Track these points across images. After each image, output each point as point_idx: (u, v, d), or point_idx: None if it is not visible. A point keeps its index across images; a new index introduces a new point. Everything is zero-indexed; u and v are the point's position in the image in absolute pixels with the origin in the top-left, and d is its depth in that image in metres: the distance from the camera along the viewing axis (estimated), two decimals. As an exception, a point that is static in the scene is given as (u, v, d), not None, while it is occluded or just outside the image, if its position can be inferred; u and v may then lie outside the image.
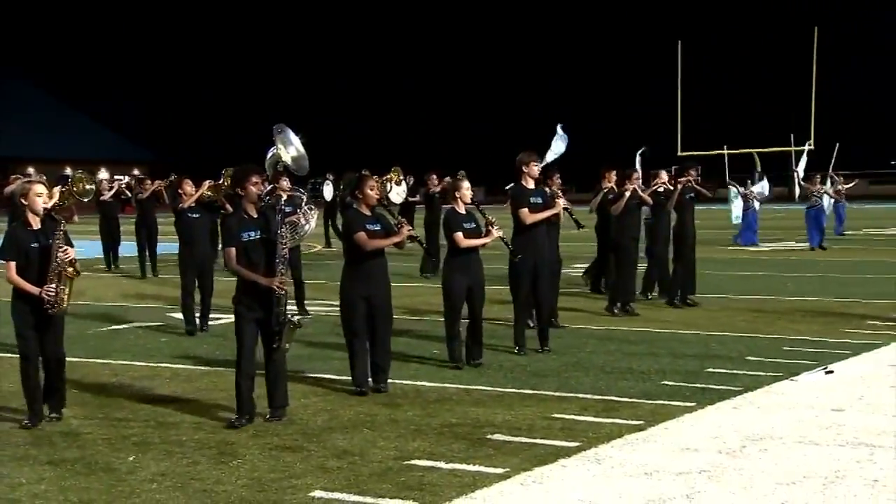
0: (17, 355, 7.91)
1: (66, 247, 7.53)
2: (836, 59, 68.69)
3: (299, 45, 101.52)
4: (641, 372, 9.63)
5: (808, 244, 25.17)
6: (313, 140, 11.10)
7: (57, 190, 10.15)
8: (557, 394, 8.71)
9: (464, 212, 9.90)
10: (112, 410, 8.22)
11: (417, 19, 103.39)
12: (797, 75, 60.94)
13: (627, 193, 13.38)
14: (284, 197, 12.05)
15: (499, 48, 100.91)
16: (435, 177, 20.76)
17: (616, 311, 13.53)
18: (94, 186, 12.75)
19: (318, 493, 5.97)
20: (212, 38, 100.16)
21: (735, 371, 9.44)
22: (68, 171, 26.49)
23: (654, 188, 14.31)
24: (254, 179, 7.82)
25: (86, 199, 12.08)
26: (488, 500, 5.78)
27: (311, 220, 11.54)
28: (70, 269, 7.52)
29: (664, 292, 14.98)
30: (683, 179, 14.69)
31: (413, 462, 6.61)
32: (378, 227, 8.74)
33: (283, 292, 7.68)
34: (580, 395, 8.57)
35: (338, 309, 10.13)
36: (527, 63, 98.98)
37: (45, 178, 12.63)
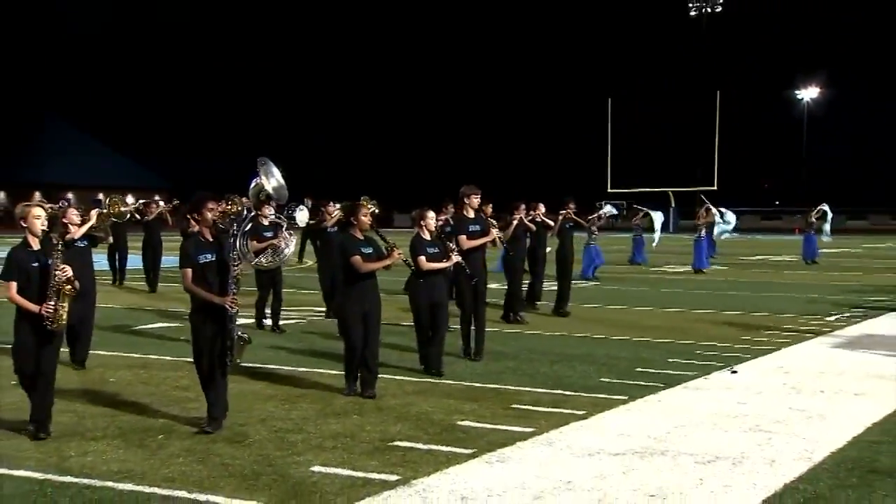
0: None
1: (64, 266, 6.66)
2: (734, 116, 69.78)
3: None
4: (583, 370, 9.53)
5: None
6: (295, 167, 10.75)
7: (95, 212, 9.80)
8: (514, 388, 8.56)
9: (428, 237, 9.42)
10: (141, 397, 8.10)
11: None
12: (704, 128, 61.65)
13: (514, 222, 13.17)
14: (266, 222, 11.57)
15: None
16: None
17: (511, 319, 13.27)
18: (128, 209, 12.53)
19: (316, 468, 5.90)
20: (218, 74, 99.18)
21: (659, 371, 9.41)
22: (101, 196, 25.57)
23: (533, 218, 13.99)
24: (209, 206, 7.08)
25: (120, 220, 11.91)
26: (460, 475, 5.72)
27: (290, 244, 11.20)
28: (68, 287, 6.65)
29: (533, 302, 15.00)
30: (563, 212, 14.78)
31: (396, 443, 6.52)
32: (371, 251, 8.33)
33: (234, 310, 6.97)
34: (533, 390, 8.45)
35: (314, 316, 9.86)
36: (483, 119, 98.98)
37: (46, 201, 11.85)
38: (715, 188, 51.98)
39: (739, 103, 76.80)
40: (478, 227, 10.42)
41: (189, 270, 6.87)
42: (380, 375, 8.36)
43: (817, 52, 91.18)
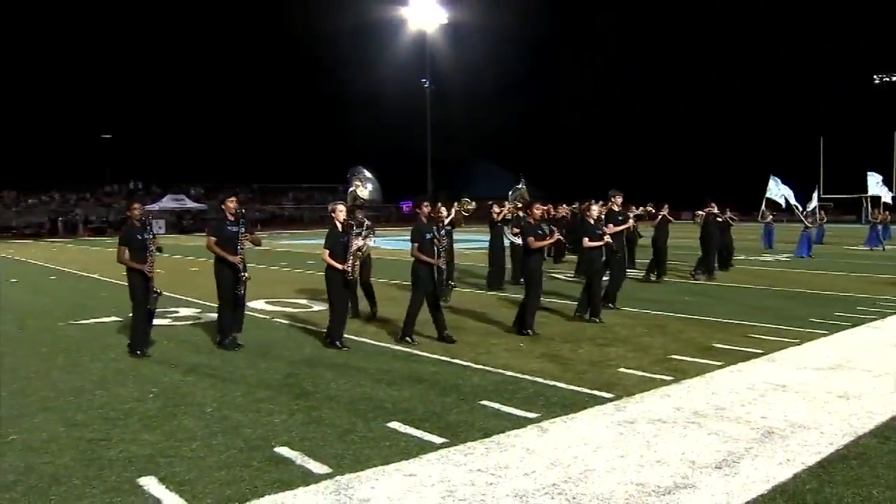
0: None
1: (358, 240, 10.91)
2: None
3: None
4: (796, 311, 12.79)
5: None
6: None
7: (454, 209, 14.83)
8: (748, 323, 11.98)
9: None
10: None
11: None
12: None
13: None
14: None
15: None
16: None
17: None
18: (474, 205, 16.67)
19: (621, 370, 9.28)
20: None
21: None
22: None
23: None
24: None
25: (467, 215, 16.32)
26: (714, 379, 9.08)
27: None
28: (358, 252, 10.90)
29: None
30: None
31: (671, 356, 9.99)
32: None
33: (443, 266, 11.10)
34: (759, 324, 11.91)
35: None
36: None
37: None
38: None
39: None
40: (619, 219, 14.84)
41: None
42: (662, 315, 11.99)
43: None
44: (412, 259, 11.14)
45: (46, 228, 67.10)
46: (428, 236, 11.02)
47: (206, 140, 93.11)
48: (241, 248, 10.80)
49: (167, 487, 5.69)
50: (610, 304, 14.26)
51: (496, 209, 18.54)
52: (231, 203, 10.95)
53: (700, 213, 20.42)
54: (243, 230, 10.83)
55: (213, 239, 10.83)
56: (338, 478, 5.82)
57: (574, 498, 5.41)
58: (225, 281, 10.83)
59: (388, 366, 9.75)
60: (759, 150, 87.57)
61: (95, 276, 22.87)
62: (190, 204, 76.90)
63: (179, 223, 69.81)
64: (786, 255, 27.59)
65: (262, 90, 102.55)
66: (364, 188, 14.98)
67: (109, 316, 13.96)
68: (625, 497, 5.41)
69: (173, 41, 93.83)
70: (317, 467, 6.05)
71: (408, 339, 11.20)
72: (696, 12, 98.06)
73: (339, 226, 10.96)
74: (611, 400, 7.95)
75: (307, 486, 5.68)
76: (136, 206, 10.81)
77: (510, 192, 20.05)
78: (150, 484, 5.77)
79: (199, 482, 5.78)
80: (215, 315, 13.17)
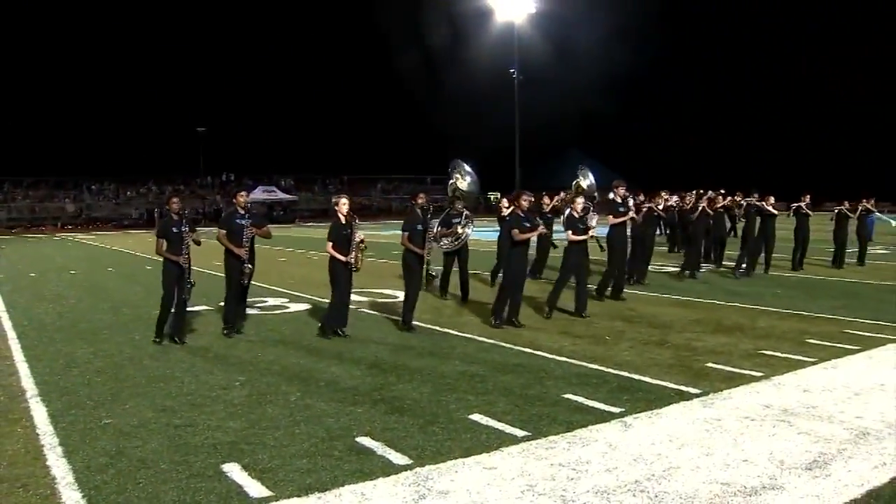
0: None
1: (359, 233, 10.87)
2: None
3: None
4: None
5: None
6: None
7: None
8: (846, 318, 11.60)
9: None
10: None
11: None
12: None
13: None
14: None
15: None
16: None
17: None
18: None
19: (709, 364, 9.07)
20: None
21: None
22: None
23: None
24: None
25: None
26: (804, 375, 8.74)
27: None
28: (362, 245, 10.86)
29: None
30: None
31: (762, 351, 9.68)
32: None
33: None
34: (860, 320, 11.50)
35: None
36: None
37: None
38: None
39: None
40: (620, 210, 14.48)
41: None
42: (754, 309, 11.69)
43: None
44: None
45: (143, 220, 69.33)
46: (419, 227, 11.55)
47: (297, 133, 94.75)
48: (247, 240, 11.16)
49: (249, 474, 5.79)
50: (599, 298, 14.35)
51: (504, 203, 18.00)
52: (241, 197, 11.46)
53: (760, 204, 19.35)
54: (249, 223, 11.19)
55: (224, 232, 11.26)
56: (417, 469, 5.83)
57: (656, 496, 5.29)
58: (232, 271, 11.26)
59: (472, 357, 9.74)
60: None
61: (188, 265, 23.42)
62: (280, 195, 78.40)
63: (270, 214, 71.25)
64: (883, 246, 26.56)
65: (351, 84, 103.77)
66: (463, 180, 15.49)
67: (199, 305, 14.29)
68: (709, 497, 5.27)
69: (265, 37, 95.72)
70: (397, 458, 6.07)
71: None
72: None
73: (342, 218, 11.03)
74: (697, 395, 7.77)
75: (387, 476, 5.70)
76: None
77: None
78: (233, 470, 5.87)
79: (280, 470, 5.86)
80: (305, 306, 13.48)
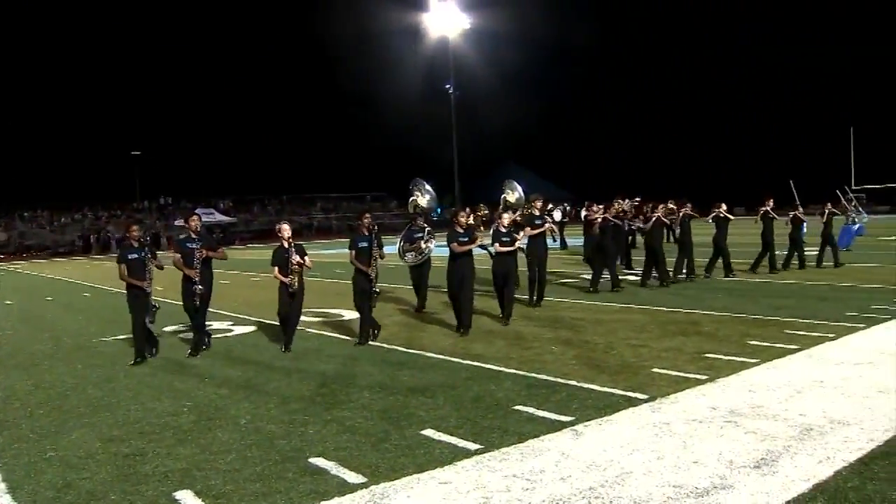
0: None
1: (295, 256, 11.26)
2: None
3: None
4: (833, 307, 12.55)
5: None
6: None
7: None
8: (787, 319, 11.85)
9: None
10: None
11: None
12: None
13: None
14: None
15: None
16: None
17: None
18: (486, 212, 17.10)
19: (655, 370, 9.20)
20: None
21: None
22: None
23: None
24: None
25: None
26: (749, 376, 8.99)
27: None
28: (296, 267, 11.27)
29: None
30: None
31: (706, 354, 9.82)
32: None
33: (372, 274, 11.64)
34: (797, 320, 11.75)
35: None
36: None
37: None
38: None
39: None
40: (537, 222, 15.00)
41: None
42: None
43: None
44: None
45: (79, 246, 67.91)
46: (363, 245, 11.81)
47: (234, 153, 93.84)
48: (198, 263, 11.40)
49: (203, 501, 5.71)
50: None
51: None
52: (193, 222, 11.79)
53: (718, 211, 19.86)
54: (199, 245, 11.50)
55: (178, 256, 11.55)
56: (373, 487, 5.81)
57: (611, 501, 5.36)
58: (185, 293, 11.54)
59: (421, 373, 9.75)
60: (788, 146, 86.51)
61: (128, 291, 23.02)
62: (219, 217, 77.51)
63: (209, 236, 70.24)
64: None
65: (287, 102, 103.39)
66: (423, 198, 16.02)
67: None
68: (662, 499, 5.35)
69: (198, 57, 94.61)
70: (352, 477, 6.04)
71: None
72: (717, 9, 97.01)
73: (284, 243, 11.54)
74: (645, 401, 7.88)
75: (342, 496, 5.67)
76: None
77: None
78: (186, 498, 5.79)
79: (234, 495, 5.80)
80: (250, 328, 13.46)
